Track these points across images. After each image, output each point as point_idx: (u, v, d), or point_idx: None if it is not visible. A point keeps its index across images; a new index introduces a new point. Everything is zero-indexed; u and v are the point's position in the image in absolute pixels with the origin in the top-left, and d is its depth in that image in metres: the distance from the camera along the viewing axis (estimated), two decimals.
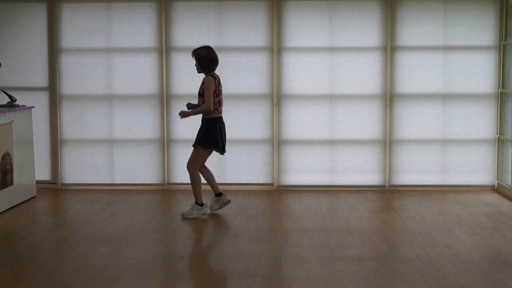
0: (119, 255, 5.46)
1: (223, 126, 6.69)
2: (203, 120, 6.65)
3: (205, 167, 6.82)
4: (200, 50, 6.67)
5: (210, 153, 6.72)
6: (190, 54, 8.09)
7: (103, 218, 6.73)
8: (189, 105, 6.84)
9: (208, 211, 6.77)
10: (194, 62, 8.12)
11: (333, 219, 6.66)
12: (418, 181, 8.17)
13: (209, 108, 6.52)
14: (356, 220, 6.61)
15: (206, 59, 6.62)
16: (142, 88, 8.20)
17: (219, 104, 6.62)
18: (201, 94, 6.62)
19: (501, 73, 8.01)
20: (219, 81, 6.65)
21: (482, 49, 8.05)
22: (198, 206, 6.69)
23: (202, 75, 6.72)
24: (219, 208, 6.87)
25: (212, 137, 6.59)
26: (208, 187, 6.89)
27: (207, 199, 6.92)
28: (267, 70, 8.10)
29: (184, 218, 6.65)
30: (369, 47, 8.08)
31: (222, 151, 6.72)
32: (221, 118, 6.66)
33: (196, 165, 6.68)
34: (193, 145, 6.68)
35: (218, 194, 6.88)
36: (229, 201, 6.92)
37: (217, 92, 6.59)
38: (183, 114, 6.70)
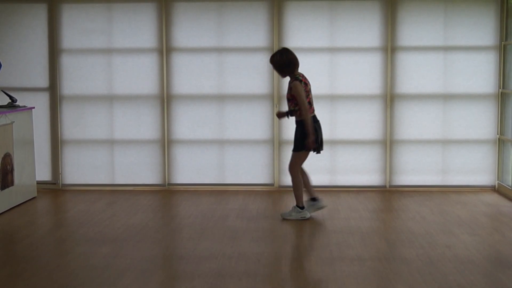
0: (119, 256, 5.46)
1: (317, 125, 6.53)
2: (297, 122, 6.51)
3: (302, 169, 6.68)
4: (275, 56, 6.51)
5: (307, 154, 6.56)
6: (190, 54, 8.16)
7: (104, 219, 6.73)
8: (279, 114, 6.73)
9: (308, 215, 6.61)
10: (195, 62, 8.17)
11: (333, 220, 6.66)
12: (418, 182, 8.17)
13: (307, 113, 6.37)
14: (356, 221, 6.61)
15: (285, 63, 6.45)
16: (143, 88, 8.21)
17: (309, 104, 6.46)
18: (289, 99, 6.48)
19: (501, 73, 8.01)
20: (305, 82, 6.47)
21: (483, 49, 8.05)
22: (298, 208, 6.59)
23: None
24: (313, 212, 6.73)
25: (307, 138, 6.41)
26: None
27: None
28: (267, 70, 8.10)
29: (284, 219, 6.59)
30: (370, 48, 8.08)
31: (318, 150, 6.56)
32: (314, 117, 6.51)
33: (297, 168, 6.55)
34: (293, 150, 6.55)
35: (314, 199, 6.74)
36: (323, 207, 6.80)
37: (305, 94, 6.42)
38: (279, 115, 6.68)
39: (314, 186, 8.11)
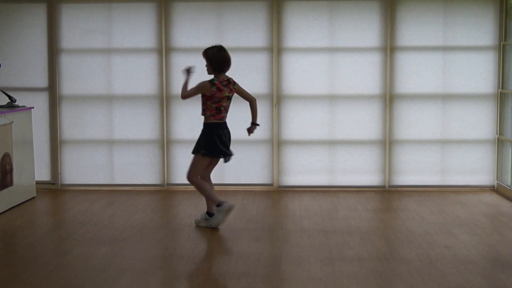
0: (118, 256, 5.46)
1: (223, 132, 6.17)
2: (203, 125, 6.22)
3: (208, 178, 6.36)
4: (211, 49, 6.15)
5: (207, 161, 6.22)
6: (190, 54, 8.15)
7: (103, 219, 6.73)
8: (189, 69, 6.36)
9: (215, 224, 6.21)
10: (194, 62, 8.15)
11: (332, 220, 6.66)
12: (417, 182, 8.17)
13: (181, 95, 6.25)
14: (355, 221, 6.61)
15: (216, 59, 6.12)
16: (142, 88, 8.21)
17: (216, 111, 6.12)
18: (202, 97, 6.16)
19: (501, 73, 8.01)
20: (219, 89, 6.10)
21: (482, 49, 8.06)
22: (206, 215, 6.30)
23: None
24: (225, 215, 6.23)
25: (206, 143, 6.14)
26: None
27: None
28: (267, 70, 8.10)
29: (197, 226, 6.34)
30: (369, 48, 8.08)
31: (223, 157, 6.24)
32: (219, 124, 6.16)
33: (195, 173, 6.21)
34: (192, 152, 6.27)
35: (218, 204, 6.22)
36: (232, 206, 6.28)
37: (215, 99, 6.09)
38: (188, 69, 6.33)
39: (313, 187, 8.17)
